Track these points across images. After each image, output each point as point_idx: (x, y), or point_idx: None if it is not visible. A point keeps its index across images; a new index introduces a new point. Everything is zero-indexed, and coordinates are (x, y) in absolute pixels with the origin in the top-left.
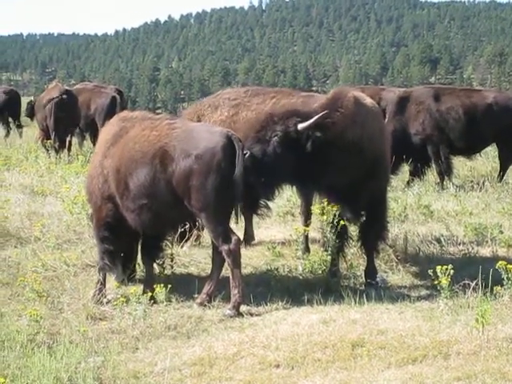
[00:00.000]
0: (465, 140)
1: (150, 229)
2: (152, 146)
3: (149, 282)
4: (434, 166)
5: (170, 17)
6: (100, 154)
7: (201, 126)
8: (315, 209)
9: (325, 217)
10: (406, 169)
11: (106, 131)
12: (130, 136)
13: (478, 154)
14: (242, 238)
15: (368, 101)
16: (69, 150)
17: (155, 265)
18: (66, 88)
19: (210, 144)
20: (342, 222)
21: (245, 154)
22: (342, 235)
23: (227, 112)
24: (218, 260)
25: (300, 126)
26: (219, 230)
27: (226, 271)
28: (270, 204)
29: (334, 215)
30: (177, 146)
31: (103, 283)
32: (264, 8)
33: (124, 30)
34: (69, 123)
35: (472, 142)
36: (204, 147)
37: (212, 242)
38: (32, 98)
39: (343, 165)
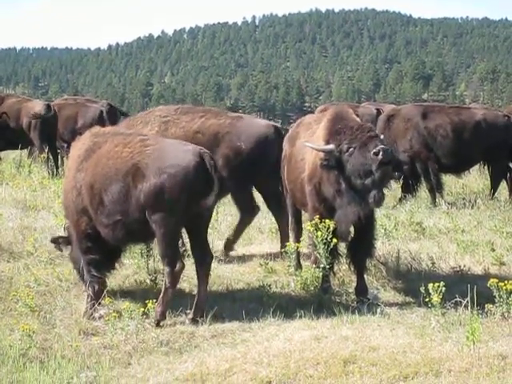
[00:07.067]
0: (453, 157)
1: (123, 243)
2: (125, 163)
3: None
4: (424, 183)
5: (163, 32)
6: (73, 169)
7: (174, 143)
8: (308, 225)
9: (319, 233)
10: (397, 185)
11: (79, 146)
12: (103, 152)
13: (468, 172)
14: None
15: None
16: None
17: (148, 280)
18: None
19: (182, 163)
20: (334, 240)
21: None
22: (333, 252)
23: (157, 127)
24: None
25: None
26: (172, 249)
27: (219, 287)
28: (263, 221)
29: (328, 232)
30: (149, 163)
31: (93, 297)
32: (257, 24)
33: (117, 44)
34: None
35: (460, 159)
36: (177, 165)
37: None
38: None
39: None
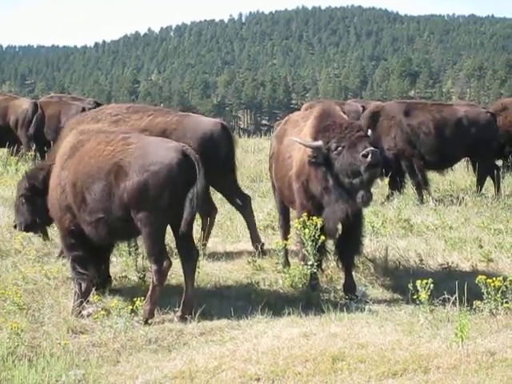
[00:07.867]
0: (436, 154)
1: (106, 241)
2: (107, 162)
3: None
4: (410, 180)
5: (149, 29)
6: (58, 166)
7: (156, 141)
8: (295, 223)
9: (306, 230)
10: (385, 182)
11: (65, 143)
12: (86, 150)
13: (451, 169)
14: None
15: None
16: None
17: (137, 278)
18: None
19: (165, 160)
20: (322, 237)
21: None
22: (321, 249)
23: (108, 125)
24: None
25: None
26: (158, 247)
27: (208, 284)
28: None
29: (316, 229)
30: (132, 162)
31: (80, 295)
32: (244, 21)
33: (104, 42)
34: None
35: (443, 156)
36: (160, 163)
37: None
38: None
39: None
